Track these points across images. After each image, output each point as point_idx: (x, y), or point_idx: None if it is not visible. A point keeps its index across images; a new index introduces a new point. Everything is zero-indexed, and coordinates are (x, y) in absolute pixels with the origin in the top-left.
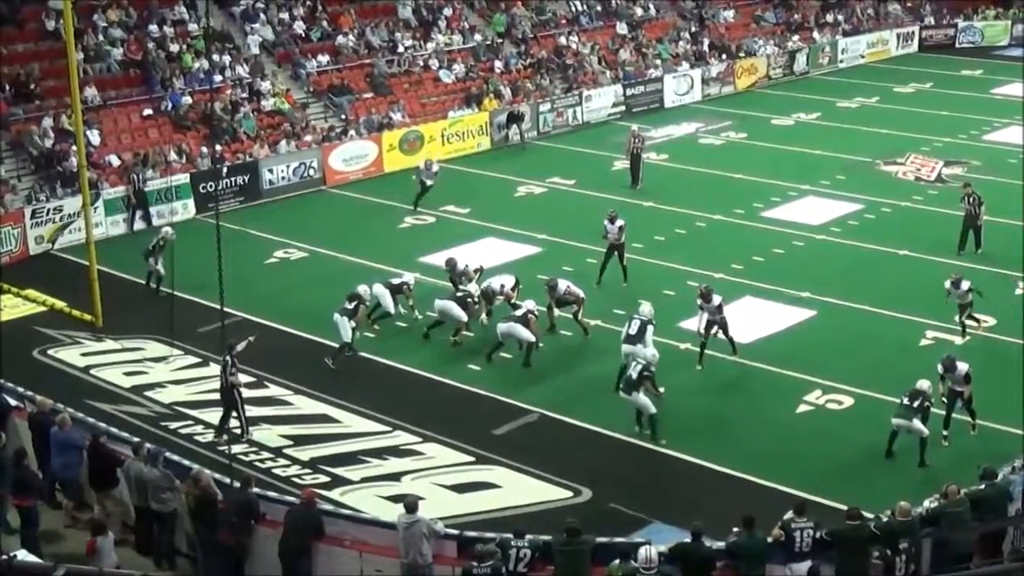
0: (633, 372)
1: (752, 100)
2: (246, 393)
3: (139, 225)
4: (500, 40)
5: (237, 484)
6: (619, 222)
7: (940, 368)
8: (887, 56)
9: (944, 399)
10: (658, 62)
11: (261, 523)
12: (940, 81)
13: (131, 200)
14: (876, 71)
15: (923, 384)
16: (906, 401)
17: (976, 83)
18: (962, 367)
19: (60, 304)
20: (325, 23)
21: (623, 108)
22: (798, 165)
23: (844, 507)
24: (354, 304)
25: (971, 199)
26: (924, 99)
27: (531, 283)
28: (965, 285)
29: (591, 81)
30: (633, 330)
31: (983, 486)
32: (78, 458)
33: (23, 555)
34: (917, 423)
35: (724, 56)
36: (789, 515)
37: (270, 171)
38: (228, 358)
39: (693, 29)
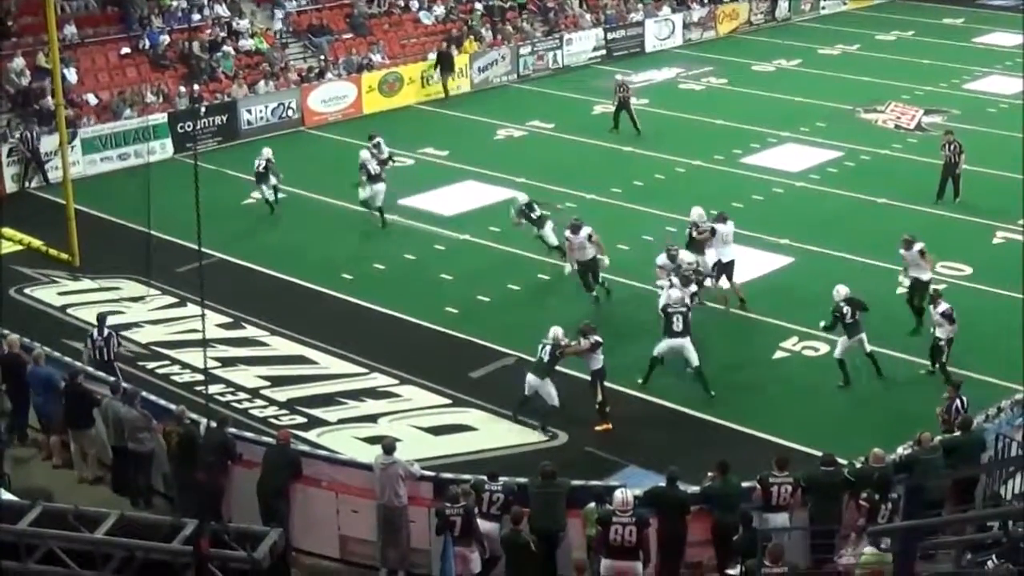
0: (544, 354)
1: (733, 46)
2: (223, 334)
3: (35, 183)
4: None
5: (213, 424)
6: (585, 230)
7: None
8: (869, 3)
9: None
10: (640, 6)
11: (238, 463)
12: (922, 29)
13: (27, 157)
14: (858, 19)
15: (842, 290)
16: (849, 319)
17: (958, 32)
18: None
19: (36, 243)
20: None
21: (604, 52)
22: (778, 112)
23: (818, 453)
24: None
25: (951, 147)
26: (905, 47)
27: (510, 226)
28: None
29: (572, 24)
30: (679, 326)
31: (958, 434)
32: (57, 394)
33: None
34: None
35: (706, 1)
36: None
37: (248, 111)
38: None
39: None
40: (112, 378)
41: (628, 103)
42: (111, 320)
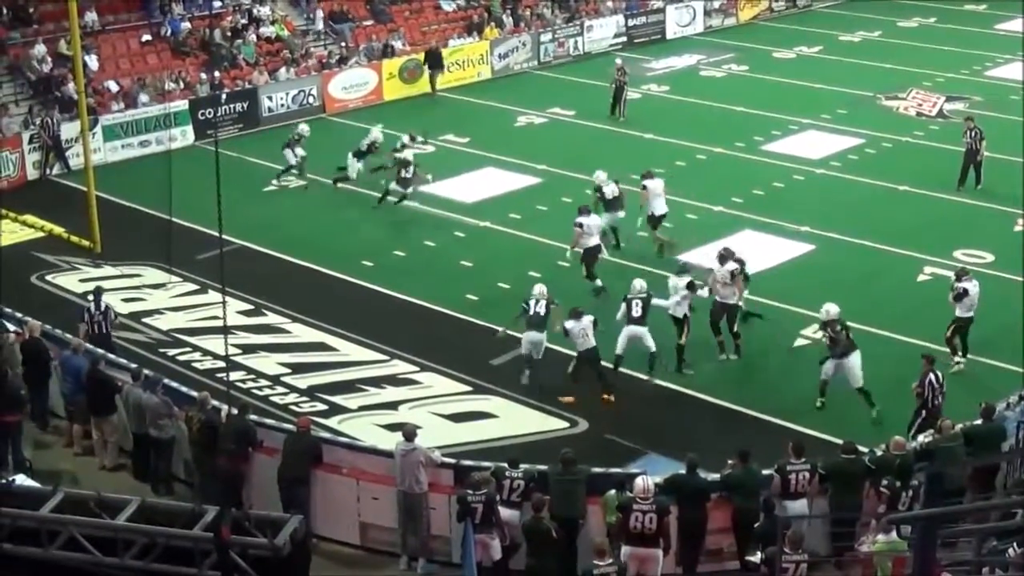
0: (540, 309)
1: (754, 32)
2: (244, 321)
3: (56, 171)
4: None
5: (234, 411)
6: (579, 218)
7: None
8: None
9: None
10: None
11: (259, 450)
12: (943, 16)
13: (47, 144)
14: (879, 5)
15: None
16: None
17: (980, 18)
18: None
19: (58, 230)
20: None
21: (624, 39)
22: (799, 99)
23: (839, 441)
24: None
25: (972, 133)
26: (927, 34)
27: (530, 213)
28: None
29: (593, 11)
30: (638, 312)
31: (980, 422)
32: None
33: (21, 479)
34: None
35: None
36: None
37: (269, 98)
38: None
39: None
40: (134, 365)
41: (624, 88)
42: (133, 307)
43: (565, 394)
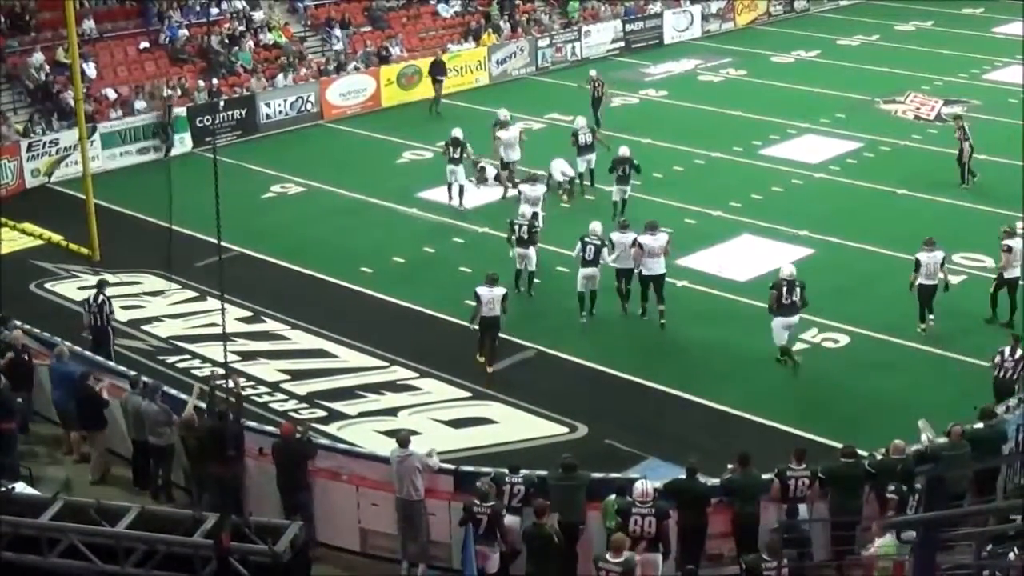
0: (524, 234)
1: (752, 37)
2: (243, 328)
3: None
4: None
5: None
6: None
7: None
8: None
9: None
10: None
11: (260, 458)
12: (941, 19)
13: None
14: (877, 9)
15: (788, 269)
16: (787, 299)
17: (977, 22)
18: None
19: (57, 238)
20: None
21: (622, 44)
22: (797, 103)
23: (839, 445)
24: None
25: (959, 132)
26: (925, 37)
27: None
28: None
29: (590, 16)
30: (590, 255)
31: (980, 425)
32: (72, 391)
33: (21, 487)
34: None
35: None
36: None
37: (267, 105)
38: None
39: None
40: (132, 372)
41: (602, 99)
42: (133, 315)
43: (480, 360)
